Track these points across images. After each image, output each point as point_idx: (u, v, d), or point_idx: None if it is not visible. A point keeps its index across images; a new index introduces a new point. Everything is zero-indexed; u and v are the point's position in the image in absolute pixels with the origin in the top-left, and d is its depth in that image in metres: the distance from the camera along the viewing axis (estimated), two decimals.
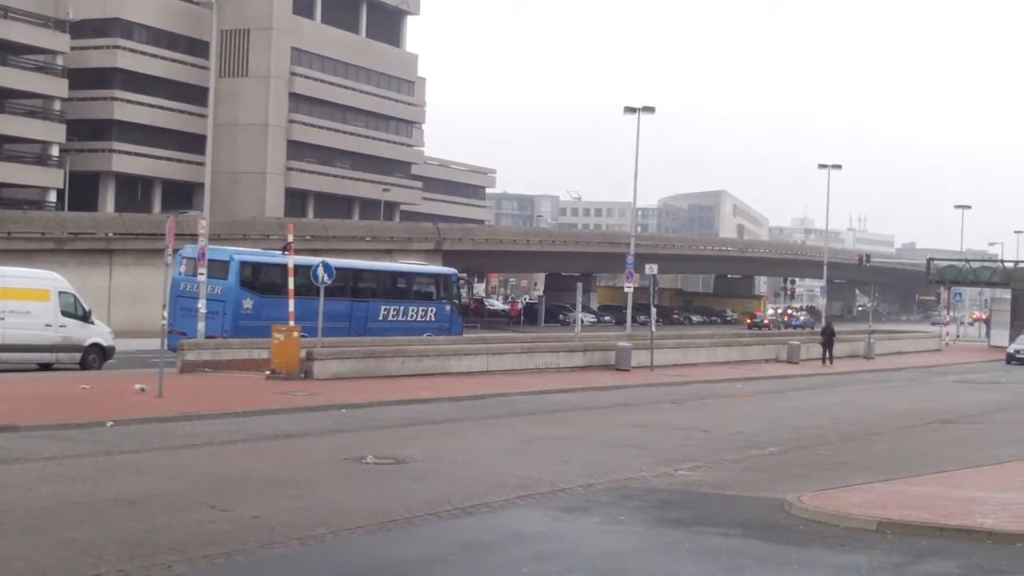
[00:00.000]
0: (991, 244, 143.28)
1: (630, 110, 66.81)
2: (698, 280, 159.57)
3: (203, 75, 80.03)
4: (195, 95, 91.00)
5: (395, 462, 20.00)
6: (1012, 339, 72.07)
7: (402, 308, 48.92)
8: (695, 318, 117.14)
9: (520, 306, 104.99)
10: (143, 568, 12.14)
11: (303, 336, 35.97)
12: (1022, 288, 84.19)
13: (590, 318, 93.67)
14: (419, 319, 49.40)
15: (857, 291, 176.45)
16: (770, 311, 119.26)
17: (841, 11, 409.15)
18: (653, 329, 48.45)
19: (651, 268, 52.37)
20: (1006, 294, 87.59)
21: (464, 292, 71.93)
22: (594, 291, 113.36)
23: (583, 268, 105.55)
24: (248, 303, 42.56)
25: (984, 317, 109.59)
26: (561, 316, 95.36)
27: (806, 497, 17.01)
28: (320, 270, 36.72)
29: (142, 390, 28.73)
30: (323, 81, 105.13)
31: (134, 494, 16.18)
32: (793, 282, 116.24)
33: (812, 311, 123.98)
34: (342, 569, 12.83)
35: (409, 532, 14.54)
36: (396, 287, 50.82)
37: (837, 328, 63.45)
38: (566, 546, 14.02)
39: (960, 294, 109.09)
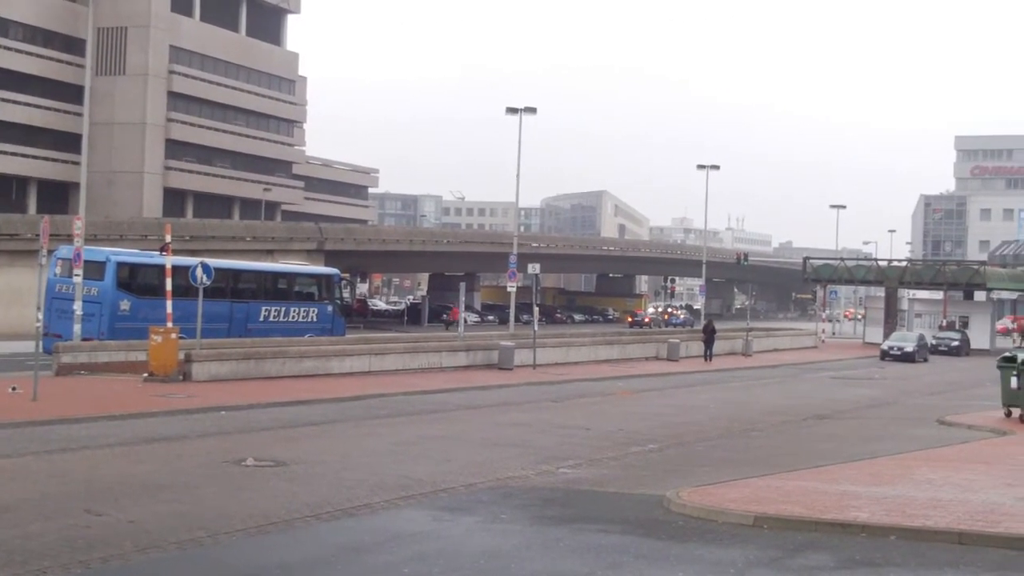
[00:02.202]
0: (865, 243, 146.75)
1: (512, 111, 67.05)
2: (580, 279, 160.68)
3: (79, 73, 78.71)
4: (71, 94, 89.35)
5: (275, 464, 19.84)
6: (886, 336, 73.80)
7: (283, 309, 48.52)
8: (577, 317, 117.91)
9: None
10: None
11: (182, 338, 35.49)
12: (895, 286, 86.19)
13: (474, 318, 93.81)
14: (301, 320, 49.03)
15: (736, 289, 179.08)
16: (651, 310, 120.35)
17: (719, 15, 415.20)
18: (536, 328, 48.68)
19: (534, 268, 52.65)
20: (880, 292, 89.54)
21: (347, 292, 71.55)
22: (478, 291, 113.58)
23: (467, 268, 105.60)
24: (125, 304, 41.88)
25: (861, 315, 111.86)
26: (444, 316, 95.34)
27: (684, 493, 17.24)
28: (199, 271, 36.28)
29: (14, 390, 28.15)
30: (202, 80, 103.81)
31: (6, 500, 15.85)
32: (673, 281, 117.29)
33: (691, 309, 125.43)
34: (221, 573, 12.69)
35: (289, 534, 14.44)
36: (277, 288, 50.37)
37: (716, 326, 64.36)
38: (447, 546, 14.03)
39: (836, 292, 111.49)
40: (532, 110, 66.89)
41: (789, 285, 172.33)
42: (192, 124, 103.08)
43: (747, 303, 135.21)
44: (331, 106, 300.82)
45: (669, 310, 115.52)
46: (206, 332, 37.53)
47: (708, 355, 57.41)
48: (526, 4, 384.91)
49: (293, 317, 48.78)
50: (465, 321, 59.64)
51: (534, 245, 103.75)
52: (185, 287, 38.40)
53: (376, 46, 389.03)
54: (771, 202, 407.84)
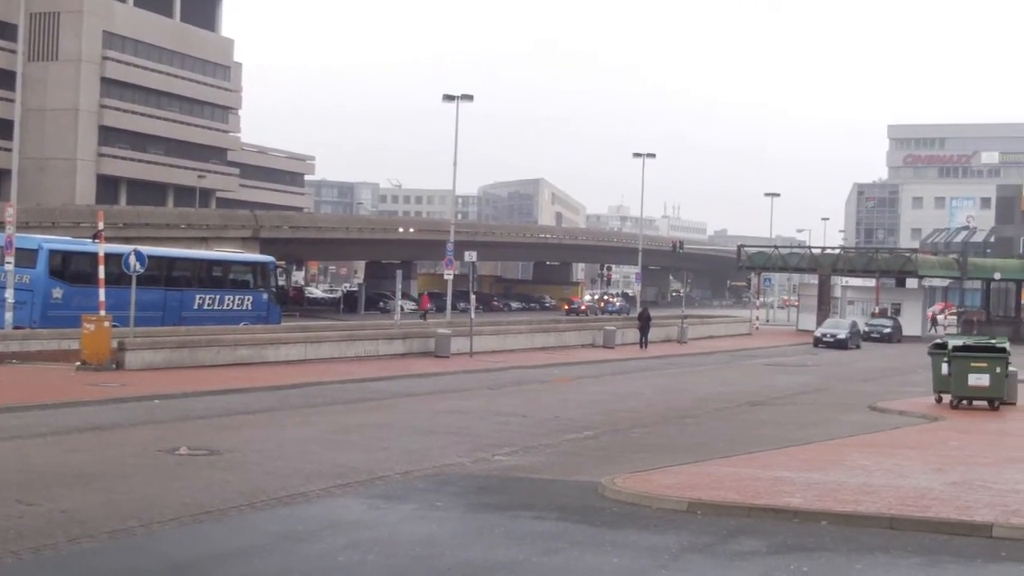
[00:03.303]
0: (799, 231, 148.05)
1: (449, 98, 66.96)
2: (518, 267, 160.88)
3: (11, 59, 77.58)
4: (3, 80, 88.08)
5: (209, 453, 19.72)
6: (819, 323, 74.51)
7: (218, 297, 48.21)
8: (514, 305, 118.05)
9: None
10: None
11: (115, 326, 35.13)
12: (828, 274, 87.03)
13: (410, 305, 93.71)
14: (235, 308, 48.75)
15: (671, 277, 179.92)
16: (587, 297, 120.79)
17: (660, 4, 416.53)
18: (473, 316, 48.69)
19: (470, 255, 52.65)
20: (813, 279, 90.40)
21: (282, 280, 71.22)
22: (415, 279, 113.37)
23: (404, 256, 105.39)
24: (58, 292, 41.47)
25: (795, 302, 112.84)
26: (381, 304, 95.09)
27: (619, 479, 17.32)
28: (132, 258, 35.95)
29: None
30: (136, 66, 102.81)
31: None
32: (609, 268, 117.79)
33: (627, 297, 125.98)
34: (153, 563, 12.57)
35: (223, 524, 14.35)
36: (211, 275, 50.04)
37: (652, 313, 64.66)
38: (383, 534, 14.01)
39: (770, 279, 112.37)
40: (469, 98, 66.84)
41: (724, 273, 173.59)
42: (126, 110, 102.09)
43: (682, 290, 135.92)
44: (268, 93, 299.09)
45: (605, 298, 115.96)
46: (140, 320, 37.20)
47: (644, 342, 57.71)
48: None
49: (228, 305, 48.49)
50: (402, 309, 59.52)
51: (471, 232, 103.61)
52: (118, 275, 38.07)
53: (314, 32, 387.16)
54: (707, 190, 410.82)
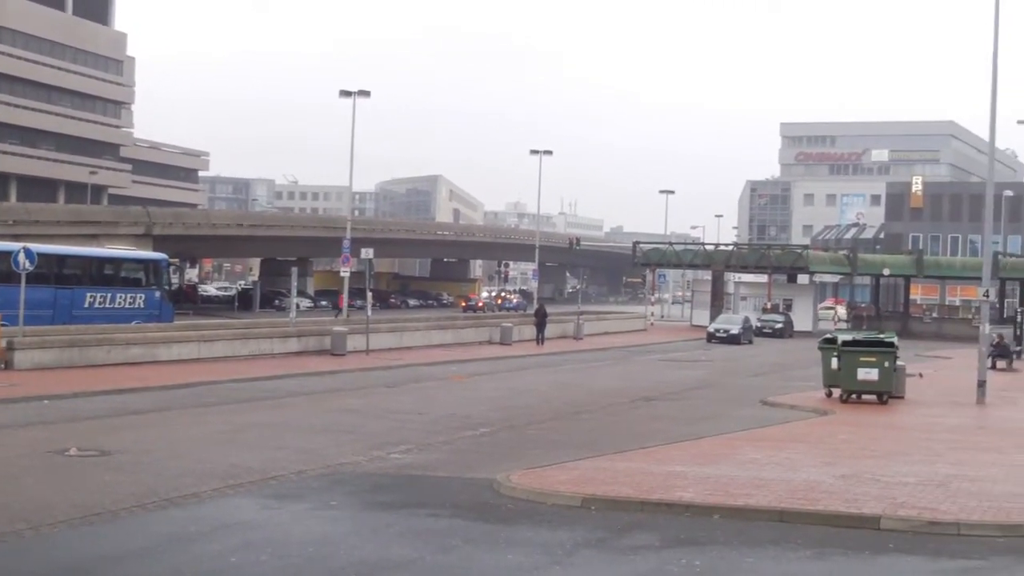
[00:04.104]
0: (694, 227, 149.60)
1: (345, 94, 66.61)
2: (415, 264, 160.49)
3: None
4: None
5: (100, 454, 19.43)
6: (712, 319, 75.35)
7: (109, 295, 47.49)
8: (412, 302, 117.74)
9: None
10: None
11: (3, 325, 34.48)
12: (722, 270, 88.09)
13: (307, 303, 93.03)
14: (127, 306, 48.04)
15: (568, 273, 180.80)
16: (484, 294, 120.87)
17: (540, 6, 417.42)
18: (369, 313, 48.50)
19: (367, 252, 52.42)
20: (707, 275, 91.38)
21: (175, 278, 70.34)
22: (311, 276, 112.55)
23: (300, 253, 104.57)
24: None
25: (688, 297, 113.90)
26: (277, 301, 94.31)
27: (515, 476, 17.39)
28: (21, 256, 35.32)
29: None
30: (26, 59, 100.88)
31: None
32: (507, 265, 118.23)
33: (525, 293, 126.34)
34: (43, 566, 12.36)
35: (114, 525, 14.16)
36: (103, 273, 49.25)
37: (549, 310, 64.90)
38: (276, 533, 13.92)
39: (664, 276, 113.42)
40: (366, 93, 66.58)
41: (620, 269, 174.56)
42: (15, 105, 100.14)
43: (579, 287, 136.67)
44: (164, 86, 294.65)
45: (503, 294, 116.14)
46: (29, 319, 36.52)
47: (540, 339, 57.96)
48: None
49: (119, 303, 47.78)
50: (297, 306, 59.12)
51: (367, 229, 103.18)
52: (7, 273, 37.38)
53: (211, 23, 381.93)
54: (604, 187, 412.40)
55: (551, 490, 16.46)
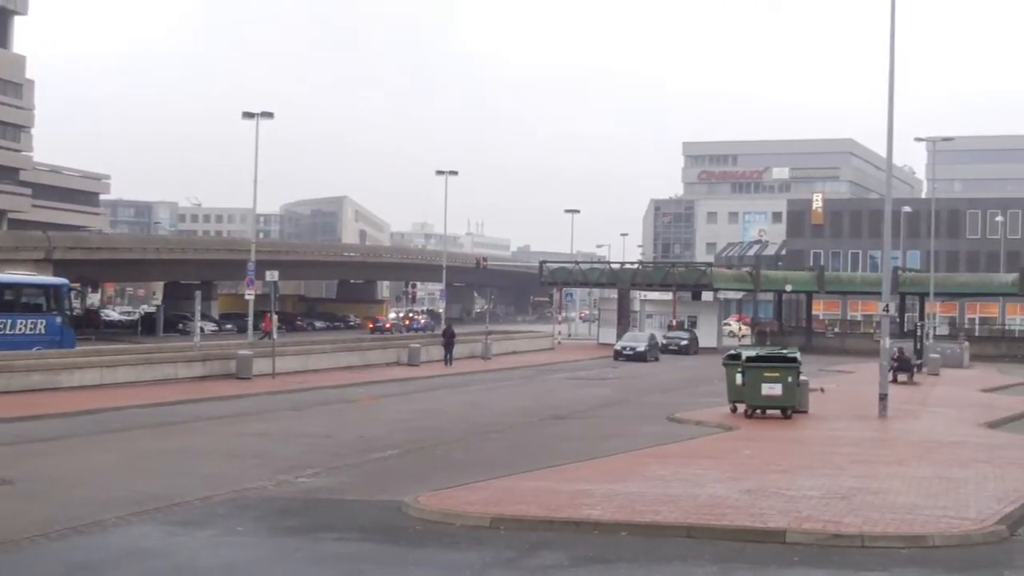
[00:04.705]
0: (599, 246, 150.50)
1: (248, 115, 66.08)
2: (321, 286, 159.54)
3: None
4: None
5: (2, 483, 19.07)
6: (619, 336, 75.74)
7: (8, 321, 46.62)
8: (318, 324, 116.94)
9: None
10: None
11: None
12: (627, 288, 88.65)
13: (211, 327, 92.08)
14: (27, 332, 47.19)
15: (476, 293, 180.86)
16: (392, 315, 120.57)
17: (447, 26, 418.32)
18: (275, 336, 48.15)
19: (272, 275, 51.92)
20: (613, 294, 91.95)
21: (77, 303, 69.22)
22: (216, 299, 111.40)
23: (204, 276, 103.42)
24: None
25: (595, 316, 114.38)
26: (181, 325, 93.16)
27: (423, 497, 17.35)
28: None
29: None
30: None
31: None
32: (414, 286, 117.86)
33: (432, 314, 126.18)
34: None
35: (15, 556, 13.91)
36: (2, 299, 48.34)
37: (457, 330, 64.85)
38: (182, 560, 13.77)
39: (571, 294, 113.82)
40: (269, 115, 66.04)
41: (527, 288, 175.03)
42: None
43: (487, 307, 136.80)
44: (66, 110, 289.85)
45: (410, 315, 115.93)
46: None
47: (448, 359, 57.90)
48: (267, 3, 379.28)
49: (20, 330, 46.93)
50: (202, 330, 58.50)
51: (273, 251, 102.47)
52: None
53: (109, 50, 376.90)
54: (510, 207, 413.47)
55: (460, 511, 16.45)
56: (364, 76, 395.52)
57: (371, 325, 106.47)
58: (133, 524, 16.01)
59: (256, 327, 67.08)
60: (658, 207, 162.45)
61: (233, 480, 19.99)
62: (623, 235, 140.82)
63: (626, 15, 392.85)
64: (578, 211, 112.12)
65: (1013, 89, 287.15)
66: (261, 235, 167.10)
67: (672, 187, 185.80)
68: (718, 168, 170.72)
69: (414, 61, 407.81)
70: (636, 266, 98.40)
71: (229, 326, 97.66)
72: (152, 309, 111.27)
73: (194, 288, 69.73)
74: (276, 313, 50.54)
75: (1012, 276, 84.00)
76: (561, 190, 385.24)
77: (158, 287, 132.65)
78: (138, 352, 48.23)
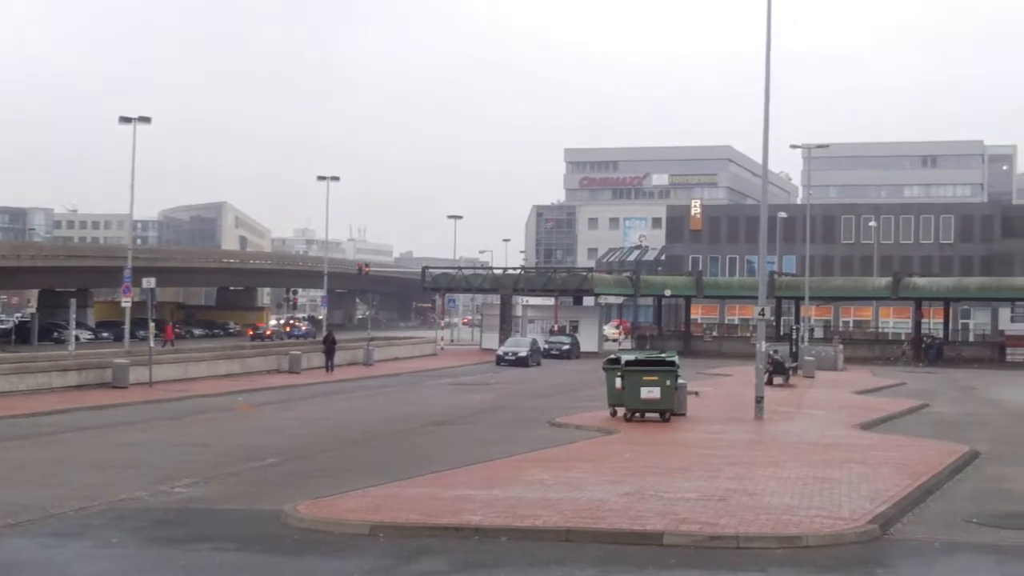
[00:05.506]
0: (482, 252, 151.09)
1: (125, 120, 65.14)
2: (201, 293, 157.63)
3: None
4: None
5: None
6: (501, 342, 75.96)
7: None
8: (197, 332, 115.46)
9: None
10: None
11: None
12: (510, 293, 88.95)
13: (87, 335, 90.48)
14: None
15: (358, 300, 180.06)
16: (273, 322, 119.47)
17: (332, 25, 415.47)
18: (152, 344, 47.49)
19: (149, 282, 51.28)
20: (495, 299, 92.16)
21: None
22: (92, 307, 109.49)
23: (81, 283, 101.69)
24: None
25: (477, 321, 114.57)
26: (56, 334, 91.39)
27: (302, 506, 17.27)
28: None
29: None
30: None
31: None
32: (295, 292, 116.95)
33: (314, 321, 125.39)
34: None
35: None
36: None
37: (339, 336, 64.47)
38: (56, 573, 13.57)
39: (454, 300, 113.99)
40: (147, 120, 65.22)
41: (410, 294, 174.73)
42: None
43: (369, 313, 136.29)
44: None
45: (292, 322, 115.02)
46: None
47: (330, 366, 57.58)
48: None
49: None
50: (77, 339, 57.48)
51: (150, 258, 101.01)
52: None
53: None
54: (393, 213, 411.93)
55: (339, 519, 16.39)
56: (247, 80, 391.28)
57: (251, 332, 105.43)
58: (6, 537, 15.70)
59: (157, 335, 66.37)
60: (540, 213, 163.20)
61: (109, 491, 19.67)
62: (506, 241, 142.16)
63: (515, 15, 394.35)
64: (461, 217, 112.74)
65: (885, 97, 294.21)
66: (139, 241, 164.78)
67: (555, 193, 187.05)
68: (599, 174, 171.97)
69: (296, 64, 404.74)
70: (519, 271, 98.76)
71: (106, 334, 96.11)
72: (26, 317, 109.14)
73: (69, 296, 68.58)
74: (154, 321, 49.79)
75: (885, 280, 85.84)
76: (445, 196, 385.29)
77: (32, 295, 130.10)
78: (10, 361, 47.17)
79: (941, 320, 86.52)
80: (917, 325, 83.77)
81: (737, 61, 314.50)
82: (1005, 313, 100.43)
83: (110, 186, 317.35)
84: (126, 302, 61.84)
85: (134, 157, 65.40)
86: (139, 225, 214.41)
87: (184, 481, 21.01)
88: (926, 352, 77.12)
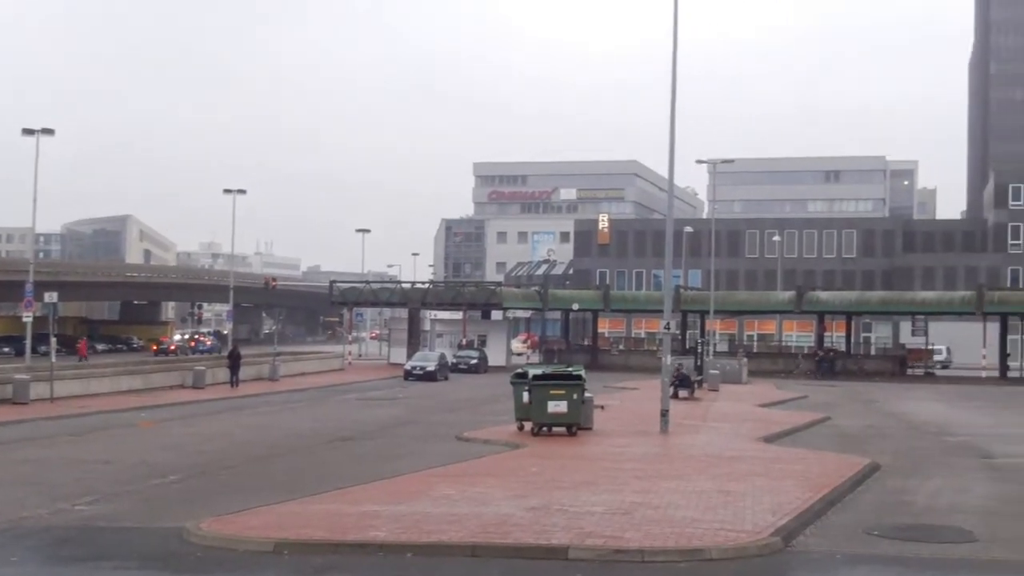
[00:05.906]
0: (390, 266, 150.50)
1: (28, 132, 64.07)
2: (104, 307, 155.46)
3: None
4: None
5: None
6: (409, 356, 75.80)
7: None
8: (100, 347, 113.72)
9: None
10: None
11: None
12: (418, 307, 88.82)
13: None
14: None
15: (265, 314, 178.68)
16: (177, 337, 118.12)
17: (237, 28, 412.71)
18: (53, 359, 46.73)
19: (51, 296, 50.45)
20: (403, 313, 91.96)
21: None
22: None
23: None
24: None
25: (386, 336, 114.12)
26: None
27: (205, 523, 17.09)
28: None
29: None
30: None
31: None
32: (201, 307, 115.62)
33: (220, 335, 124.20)
34: None
35: None
36: None
37: (244, 351, 63.92)
38: None
39: (362, 314, 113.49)
40: (50, 132, 64.19)
41: (318, 308, 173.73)
42: None
43: (276, 327, 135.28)
44: None
45: (197, 337, 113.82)
46: None
47: (235, 381, 57.06)
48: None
49: None
50: None
51: (52, 272, 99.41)
52: None
53: None
54: (301, 226, 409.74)
55: (242, 536, 16.25)
56: (150, 91, 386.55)
57: (155, 348, 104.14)
58: None
59: (60, 350, 65.21)
60: (449, 227, 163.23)
61: (9, 509, 19.32)
62: (415, 255, 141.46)
63: (434, 27, 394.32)
64: (369, 231, 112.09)
65: (789, 113, 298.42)
66: (41, 255, 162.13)
67: (464, 207, 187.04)
68: (508, 188, 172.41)
69: (203, 75, 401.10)
70: (427, 285, 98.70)
71: (7, 349, 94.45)
72: None
73: None
74: (56, 336, 48.99)
75: (788, 294, 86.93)
76: (353, 210, 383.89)
77: None
78: None
79: (843, 333, 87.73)
80: (820, 339, 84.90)
81: (643, 76, 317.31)
82: (906, 327, 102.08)
83: (11, 200, 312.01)
84: (27, 317, 60.74)
85: (36, 170, 64.34)
86: (41, 238, 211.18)
87: (86, 499, 20.69)
88: (819, 365, 78.10)
